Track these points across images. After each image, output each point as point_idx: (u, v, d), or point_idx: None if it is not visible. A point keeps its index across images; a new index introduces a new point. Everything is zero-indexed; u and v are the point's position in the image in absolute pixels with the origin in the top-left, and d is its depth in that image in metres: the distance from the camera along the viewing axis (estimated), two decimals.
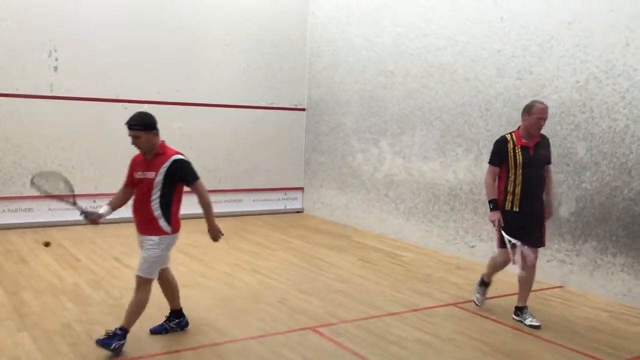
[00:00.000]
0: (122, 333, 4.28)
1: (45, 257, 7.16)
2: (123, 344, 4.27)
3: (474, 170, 7.89)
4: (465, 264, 7.64)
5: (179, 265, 7.00)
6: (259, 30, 10.85)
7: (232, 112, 10.71)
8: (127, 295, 5.67)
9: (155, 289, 6.02)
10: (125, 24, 9.63)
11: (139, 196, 4.46)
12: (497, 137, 7.45)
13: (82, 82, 9.24)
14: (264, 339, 4.74)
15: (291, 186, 11.43)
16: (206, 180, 10.33)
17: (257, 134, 10.99)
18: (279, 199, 11.33)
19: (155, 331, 4.72)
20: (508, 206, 5.18)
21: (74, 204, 4.62)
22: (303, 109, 11.43)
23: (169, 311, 4.83)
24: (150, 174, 4.39)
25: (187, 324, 4.86)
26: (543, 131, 5.30)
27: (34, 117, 8.98)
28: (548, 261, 6.68)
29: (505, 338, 4.98)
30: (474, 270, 7.32)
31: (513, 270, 7.18)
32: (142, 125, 4.39)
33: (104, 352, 4.21)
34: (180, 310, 4.84)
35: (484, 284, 5.67)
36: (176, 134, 10.14)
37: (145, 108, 9.78)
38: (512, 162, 5.14)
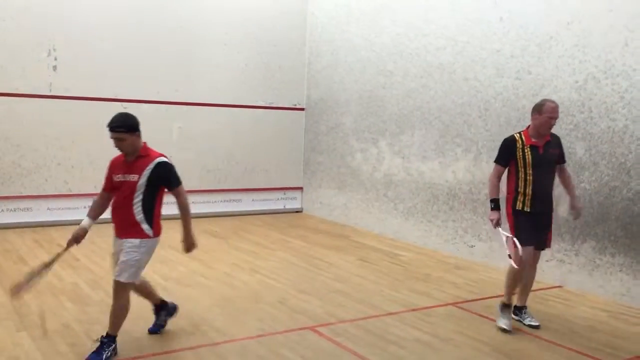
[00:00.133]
0: (109, 339, 4.20)
1: (45, 256, 7.14)
2: (114, 348, 4.22)
3: (473, 170, 7.90)
4: (464, 263, 7.64)
5: (179, 265, 7.01)
6: (258, 30, 10.85)
7: (231, 112, 10.72)
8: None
9: (155, 286, 6.03)
10: (124, 23, 9.63)
11: (119, 199, 4.29)
12: (496, 137, 7.53)
13: (82, 82, 9.24)
14: (263, 338, 4.74)
15: (290, 186, 11.44)
16: (206, 180, 10.57)
17: (256, 134, 11.00)
18: (278, 199, 11.33)
19: (153, 331, 4.71)
20: (519, 206, 5.08)
21: (52, 262, 4.34)
22: (302, 109, 11.43)
23: (154, 308, 4.80)
24: (132, 177, 4.24)
25: (174, 308, 4.84)
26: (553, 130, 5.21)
27: (33, 117, 8.98)
28: (547, 261, 6.68)
29: (504, 338, 4.98)
30: (473, 270, 7.33)
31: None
32: (125, 127, 4.23)
33: None
34: (162, 300, 4.79)
35: (507, 307, 5.21)
36: (175, 133, 10.16)
37: (144, 108, 9.81)
38: (522, 162, 5.04)
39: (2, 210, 8.85)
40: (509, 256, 5.03)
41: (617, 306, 6.01)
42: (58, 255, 4.32)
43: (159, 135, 9.87)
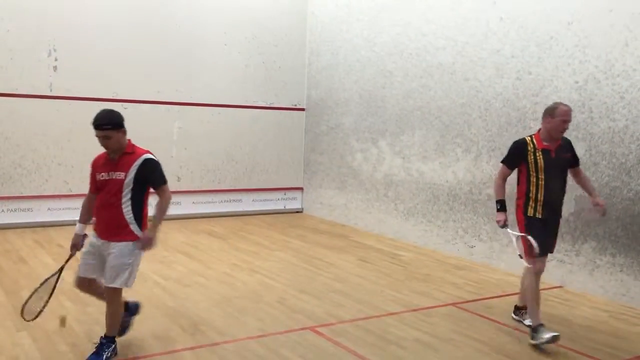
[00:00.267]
0: (108, 340, 4.18)
1: (45, 257, 7.16)
2: (114, 348, 4.21)
3: (473, 171, 7.89)
4: (464, 264, 7.64)
5: (178, 265, 7.01)
6: (258, 30, 10.85)
7: (231, 112, 10.72)
8: (126, 295, 5.68)
9: (155, 286, 6.03)
10: (125, 24, 9.63)
11: (105, 199, 4.12)
12: (496, 137, 7.54)
13: (82, 82, 9.24)
14: (263, 338, 4.74)
15: (290, 186, 11.44)
16: (206, 180, 10.59)
17: (256, 134, 11.00)
18: (278, 199, 11.33)
19: (119, 335, 4.40)
20: (531, 212, 4.91)
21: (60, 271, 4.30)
22: (302, 109, 11.43)
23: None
24: (118, 175, 4.09)
25: (137, 306, 4.65)
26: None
27: (33, 117, 8.98)
28: (547, 261, 6.66)
29: (504, 338, 4.98)
30: (473, 270, 7.33)
31: (515, 271, 7.19)
32: (112, 124, 4.08)
33: None
34: (125, 303, 4.51)
35: (539, 326, 4.84)
36: (176, 133, 10.16)
37: (145, 108, 9.82)
38: (533, 166, 4.87)
39: (3, 211, 8.85)
40: (520, 256, 4.95)
41: (617, 306, 6.00)
42: (62, 268, 4.28)
43: (160, 135, 9.90)
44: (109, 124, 4.07)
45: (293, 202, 11.49)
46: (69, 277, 6.29)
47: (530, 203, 4.92)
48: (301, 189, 11.52)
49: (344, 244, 8.63)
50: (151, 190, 4.26)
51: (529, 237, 4.81)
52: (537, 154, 4.89)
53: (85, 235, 4.29)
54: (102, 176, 4.15)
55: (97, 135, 4.08)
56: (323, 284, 6.43)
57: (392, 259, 7.78)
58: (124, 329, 4.48)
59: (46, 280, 4.23)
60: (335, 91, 10.60)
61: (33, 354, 4.27)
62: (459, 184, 8.11)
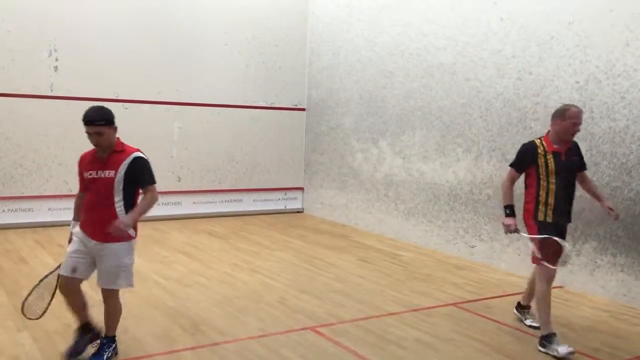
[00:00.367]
0: (108, 340, 4.18)
1: (45, 257, 7.17)
2: (114, 347, 4.21)
3: (473, 171, 7.89)
4: (465, 264, 7.64)
5: (179, 265, 7.02)
6: (259, 30, 10.85)
7: (232, 112, 10.72)
8: (127, 295, 5.67)
9: (155, 286, 6.03)
10: (125, 24, 9.64)
11: (96, 198, 4.00)
12: (497, 138, 7.53)
13: (82, 82, 9.24)
14: (263, 338, 4.74)
15: (291, 186, 11.44)
16: (206, 180, 10.60)
17: (257, 134, 11.00)
18: (278, 199, 11.33)
19: (70, 355, 4.13)
20: (541, 217, 4.77)
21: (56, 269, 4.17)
22: (303, 109, 11.43)
23: (79, 327, 4.25)
24: (108, 173, 3.99)
25: (97, 336, 4.27)
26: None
27: (34, 117, 8.98)
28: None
29: (505, 338, 4.97)
30: (473, 270, 7.33)
31: (515, 271, 7.19)
32: (105, 120, 4.01)
33: None
34: (90, 323, 4.28)
35: (552, 335, 4.72)
36: (176, 134, 10.17)
37: (145, 108, 9.83)
38: (543, 169, 4.74)
39: (3, 211, 8.85)
40: (538, 259, 4.72)
41: (618, 306, 6.00)
42: (60, 266, 4.17)
43: (160, 136, 9.91)
44: (102, 119, 4.01)
45: (294, 202, 11.49)
46: None
47: (540, 207, 4.79)
48: (302, 189, 11.52)
49: (344, 244, 8.63)
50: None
51: (556, 238, 4.62)
52: (548, 157, 4.76)
53: None
54: (91, 174, 4.05)
55: (88, 132, 4.01)
56: (324, 284, 6.43)
57: (393, 259, 7.78)
58: (75, 352, 4.14)
59: (45, 277, 4.18)
60: (336, 91, 10.60)
61: (34, 353, 4.27)
62: (460, 184, 8.11)
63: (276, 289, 6.17)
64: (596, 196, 5.13)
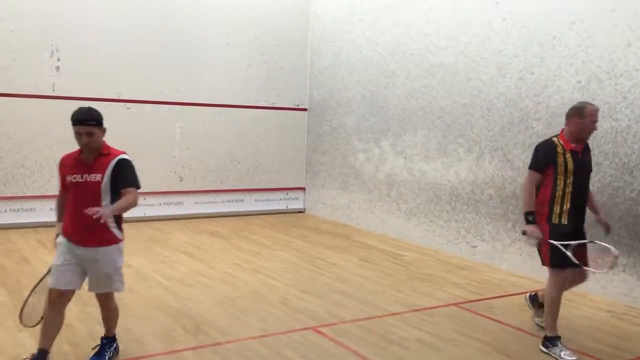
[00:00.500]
0: (108, 340, 4.18)
1: (47, 257, 7.17)
2: (115, 347, 4.22)
3: (475, 170, 7.88)
4: (466, 264, 7.63)
5: (180, 265, 7.02)
6: (260, 30, 10.86)
7: (233, 112, 10.73)
8: (128, 295, 5.68)
9: (157, 286, 6.03)
10: (127, 24, 9.65)
11: (82, 203, 3.77)
12: (499, 137, 7.53)
13: (84, 82, 9.25)
14: (265, 338, 4.74)
15: (293, 186, 11.44)
16: (208, 180, 10.60)
17: (258, 134, 11.00)
18: (280, 199, 11.33)
19: None
20: (555, 220, 4.56)
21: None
22: (305, 109, 11.43)
23: (37, 352, 3.93)
24: (94, 177, 3.85)
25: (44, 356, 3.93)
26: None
27: (36, 117, 9.00)
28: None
29: (507, 338, 4.97)
30: (475, 270, 7.32)
31: (517, 271, 7.18)
32: (96, 121, 3.88)
33: None
34: (47, 351, 3.94)
35: (557, 338, 4.67)
36: (178, 133, 10.17)
37: (147, 108, 9.83)
38: (562, 168, 4.54)
39: (5, 211, 8.87)
40: (578, 265, 4.52)
41: (619, 306, 5.99)
42: (50, 270, 4.01)
43: (162, 136, 9.92)
44: (93, 119, 3.89)
45: (295, 202, 11.49)
46: None
47: (555, 209, 4.58)
48: (303, 189, 11.52)
49: (346, 244, 8.62)
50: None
51: (602, 243, 4.51)
52: (567, 156, 4.59)
53: None
54: (75, 178, 3.87)
55: (79, 132, 3.83)
56: (325, 284, 6.43)
57: (395, 259, 7.78)
58: None
59: (39, 283, 4.08)
60: (338, 91, 10.60)
61: None
62: (461, 184, 8.10)
63: (278, 289, 6.17)
64: (593, 208, 4.97)
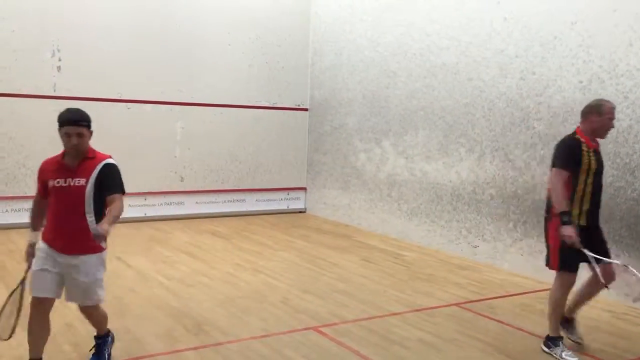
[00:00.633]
0: (103, 337, 4.16)
1: None
2: (111, 339, 4.22)
3: (476, 170, 7.88)
4: (467, 264, 7.63)
5: (182, 265, 7.02)
6: (262, 31, 10.86)
7: (234, 112, 10.73)
8: (130, 295, 5.70)
9: (158, 286, 6.03)
10: (128, 24, 9.65)
11: (64, 209, 3.69)
12: (500, 137, 7.52)
13: (85, 83, 9.26)
14: (266, 338, 4.74)
15: (294, 186, 11.44)
16: (209, 180, 10.60)
17: (259, 134, 11.01)
18: (281, 199, 11.33)
19: None
20: (574, 219, 4.38)
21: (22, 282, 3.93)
22: (306, 109, 11.44)
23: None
24: (79, 181, 3.69)
25: None
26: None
27: (37, 117, 8.99)
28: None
29: (508, 338, 4.97)
30: (476, 270, 7.32)
31: (518, 271, 7.18)
32: (87, 122, 3.76)
33: None
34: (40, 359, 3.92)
35: (559, 338, 4.61)
36: (179, 133, 10.18)
37: (148, 108, 9.84)
38: (586, 167, 4.37)
39: (7, 211, 8.88)
40: (602, 278, 4.40)
41: (620, 307, 5.98)
42: (23, 282, 3.90)
43: (163, 136, 9.92)
44: (85, 120, 3.76)
45: (296, 202, 11.49)
46: None
47: (574, 211, 4.41)
48: (304, 189, 11.52)
49: (347, 244, 8.62)
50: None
51: (627, 266, 4.39)
52: (590, 155, 4.43)
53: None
54: (58, 182, 3.70)
55: (69, 133, 3.69)
56: (326, 284, 6.43)
57: (396, 259, 7.78)
58: None
59: (10, 295, 3.95)
60: (339, 91, 10.60)
61: None
62: (463, 184, 8.10)
63: (279, 289, 6.17)
64: None
